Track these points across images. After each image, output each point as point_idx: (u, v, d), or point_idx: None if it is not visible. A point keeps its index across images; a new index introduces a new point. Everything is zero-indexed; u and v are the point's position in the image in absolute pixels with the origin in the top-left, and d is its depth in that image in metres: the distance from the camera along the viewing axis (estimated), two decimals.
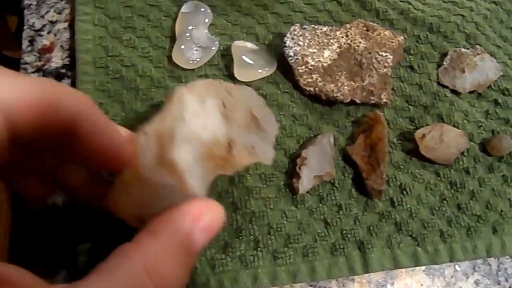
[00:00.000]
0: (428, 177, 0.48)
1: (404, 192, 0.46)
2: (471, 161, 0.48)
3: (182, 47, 0.48)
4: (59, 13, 0.51)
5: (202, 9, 0.50)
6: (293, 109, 0.48)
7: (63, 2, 0.52)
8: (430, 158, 0.47)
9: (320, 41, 0.49)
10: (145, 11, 0.51)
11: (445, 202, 0.47)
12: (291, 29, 0.49)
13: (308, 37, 0.49)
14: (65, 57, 0.49)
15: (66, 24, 0.51)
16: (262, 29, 0.51)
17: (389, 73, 0.49)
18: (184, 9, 0.50)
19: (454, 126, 0.49)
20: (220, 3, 0.52)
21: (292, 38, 0.49)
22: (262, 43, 0.51)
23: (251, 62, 0.48)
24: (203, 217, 0.29)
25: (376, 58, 0.49)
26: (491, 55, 0.52)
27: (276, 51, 0.50)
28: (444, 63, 0.51)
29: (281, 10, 0.52)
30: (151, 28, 0.50)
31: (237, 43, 0.49)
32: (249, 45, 0.49)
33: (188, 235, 0.28)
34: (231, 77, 0.49)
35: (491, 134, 0.50)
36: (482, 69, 0.50)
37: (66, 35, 0.50)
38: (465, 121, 0.50)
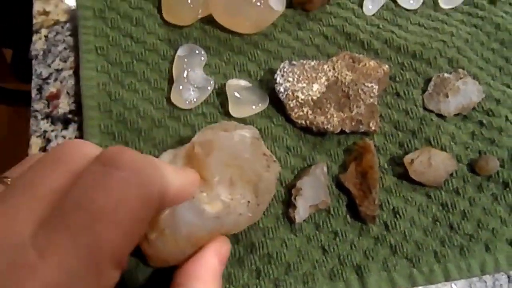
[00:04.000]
0: (420, 199, 0.50)
1: (397, 216, 0.49)
2: (460, 182, 0.51)
3: (180, 88, 0.51)
4: (64, 61, 0.55)
5: (197, 51, 0.53)
6: (287, 141, 0.51)
7: (68, 50, 0.55)
8: (420, 181, 0.49)
9: (308, 76, 0.52)
10: (144, 55, 0.54)
11: (437, 223, 0.49)
12: (280, 66, 0.51)
13: (297, 73, 0.51)
14: (72, 103, 0.52)
15: (71, 71, 0.54)
16: (254, 66, 0.54)
17: (376, 103, 0.51)
18: (180, 52, 0.53)
19: (441, 148, 0.51)
20: (214, 44, 0.55)
21: (282, 75, 0.51)
22: (255, 79, 0.53)
23: (244, 99, 0.51)
24: (222, 250, 0.34)
25: (362, 89, 0.51)
26: (474, 77, 0.55)
27: (267, 86, 0.53)
28: (429, 88, 0.53)
29: (271, 47, 0.55)
30: (150, 71, 0.53)
31: (231, 81, 0.52)
32: (242, 82, 0.52)
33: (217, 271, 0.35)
34: (227, 114, 0.51)
35: (478, 154, 0.52)
36: (465, 93, 0.52)
37: (72, 81, 0.53)
38: (452, 143, 0.52)
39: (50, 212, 0.23)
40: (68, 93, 0.53)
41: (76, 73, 0.53)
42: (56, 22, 0.56)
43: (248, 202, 0.42)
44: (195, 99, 0.51)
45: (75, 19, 0.56)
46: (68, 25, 0.56)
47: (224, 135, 0.43)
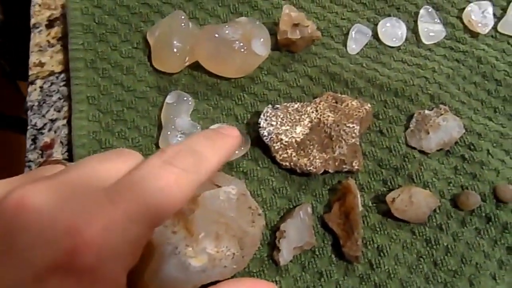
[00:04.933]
0: (404, 236, 0.51)
1: (382, 254, 0.50)
2: (443, 218, 0.52)
3: (168, 134, 0.53)
4: (59, 111, 0.57)
5: (185, 98, 0.55)
6: (273, 183, 0.53)
7: (62, 100, 0.57)
8: (404, 219, 0.51)
9: (292, 118, 0.53)
10: (134, 103, 0.56)
11: (421, 259, 0.50)
12: (264, 111, 0.53)
13: (281, 116, 0.53)
14: (65, 152, 0.55)
15: (64, 121, 0.56)
16: (241, 110, 0.56)
17: (358, 142, 0.52)
18: (168, 99, 0.55)
19: (424, 185, 0.52)
20: (202, 89, 0.57)
21: (265, 119, 0.53)
22: (242, 122, 0.55)
23: None
24: None
25: (344, 129, 0.52)
26: (456, 112, 0.55)
27: (254, 129, 0.54)
28: (411, 125, 0.54)
29: (257, 90, 0.57)
30: (140, 118, 0.55)
31: (213, 127, 0.54)
32: (227, 127, 0.54)
33: None
34: None
35: (461, 189, 0.53)
36: (446, 129, 0.53)
37: (65, 131, 0.56)
38: (435, 179, 0.53)
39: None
40: (61, 142, 0.55)
41: (70, 123, 0.55)
42: (51, 73, 0.59)
43: (234, 254, 0.44)
44: None
45: (69, 70, 0.58)
46: (62, 75, 0.58)
47: (209, 194, 0.45)
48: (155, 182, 0.28)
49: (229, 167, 0.53)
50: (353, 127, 0.53)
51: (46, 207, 0.26)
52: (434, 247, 0.50)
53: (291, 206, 0.52)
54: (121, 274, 0.28)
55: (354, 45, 0.59)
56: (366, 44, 0.60)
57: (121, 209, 0.27)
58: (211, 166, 0.32)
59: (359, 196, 0.50)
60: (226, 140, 0.34)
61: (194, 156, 0.31)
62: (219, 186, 0.46)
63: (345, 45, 0.59)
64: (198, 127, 0.54)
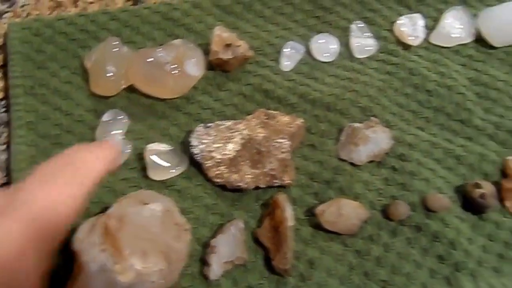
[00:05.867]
0: (336, 248, 0.51)
1: (313, 266, 0.50)
2: (374, 228, 0.52)
3: None
4: None
5: (120, 117, 0.56)
6: (206, 200, 0.53)
7: (2, 126, 0.58)
8: (334, 231, 0.51)
9: (224, 136, 0.54)
10: (72, 127, 0.57)
11: (353, 271, 0.50)
12: (195, 130, 0.54)
13: (213, 134, 0.54)
14: (4, 176, 0.56)
15: (4, 147, 0.57)
16: (176, 130, 0.57)
17: (288, 157, 0.53)
18: (104, 118, 0.56)
19: (355, 197, 0.53)
20: (138, 111, 0.58)
21: (197, 138, 0.54)
22: (176, 142, 0.56)
23: (163, 163, 0.54)
24: None
25: (273, 145, 0.53)
26: (387, 124, 0.56)
27: (188, 148, 0.55)
28: (341, 138, 0.55)
29: (192, 110, 0.58)
30: (77, 142, 0.56)
31: (150, 146, 0.55)
32: (162, 146, 0.55)
33: None
34: (147, 178, 0.54)
35: (392, 199, 0.53)
36: (375, 141, 0.54)
37: (4, 156, 0.57)
38: (366, 191, 0.53)
39: None
40: (1, 167, 0.56)
41: (9, 148, 0.56)
42: None
43: (161, 269, 0.45)
44: None
45: (9, 96, 0.59)
46: (3, 102, 0.59)
47: (134, 211, 0.46)
48: (41, 202, 0.29)
49: (164, 185, 0.54)
50: (283, 142, 0.53)
51: None
52: (365, 258, 0.51)
53: (224, 222, 0.52)
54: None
55: (288, 62, 0.60)
56: (300, 61, 0.61)
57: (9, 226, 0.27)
58: (92, 176, 0.33)
59: (288, 210, 0.50)
60: (104, 151, 0.35)
61: (73, 168, 0.32)
62: (147, 204, 0.47)
63: (278, 62, 0.60)
64: (129, 146, 0.55)
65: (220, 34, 0.57)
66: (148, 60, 0.55)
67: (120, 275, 0.43)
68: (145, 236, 0.45)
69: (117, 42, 0.57)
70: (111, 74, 0.56)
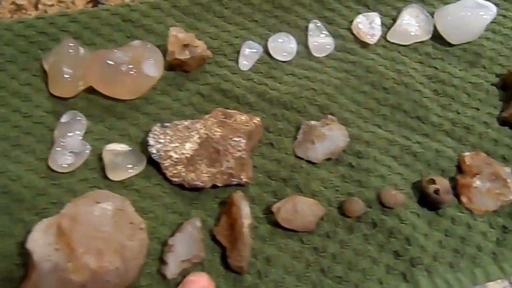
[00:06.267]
0: (293, 245, 0.51)
1: (270, 264, 0.50)
2: (331, 225, 0.52)
3: (56, 153, 0.54)
4: None
5: (79, 118, 0.56)
6: (164, 199, 0.53)
7: None
8: (291, 228, 0.51)
9: (181, 135, 0.54)
10: (31, 128, 0.57)
11: (309, 267, 0.51)
12: (152, 130, 0.54)
13: (170, 134, 0.54)
14: None
15: None
16: (135, 130, 0.57)
17: (245, 156, 0.53)
18: (63, 119, 0.57)
19: (312, 194, 0.53)
20: (97, 112, 0.58)
21: (153, 138, 0.54)
22: (136, 142, 0.56)
23: (121, 163, 0.54)
24: None
25: (230, 143, 0.54)
26: (345, 122, 0.57)
27: (146, 148, 0.55)
28: (298, 136, 0.56)
29: (152, 110, 0.58)
30: (36, 143, 0.56)
31: (108, 147, 0.55)
32: (120, 147, 0.55)
33: None
34: (106, 178, 0.54)
35: (348, 196, 0.53)
36: (331, 138, 0.54)
37: None
38: (322, 188, 0.54)
39: None
40: None
41: None
42: None
43: (117, 268, 0.45)
44: (69, 164, 0.54)
45: None
46: None
47: (86, 210, 0.47)
48: None
49: (122, 185, 0.54)
50: (239, 140, 0.54)
51: None
52: (322, 254, 0.51)
53: (183, 221, 0.52)
54: None
55: (246, 62, 0.60)
56: (258, 60, 0.61)
57: None
58: None
59: (244, 207, 0.51)
60: None
61: None
62: (98, 203, 0.48)
63: (237, 62, 0.61)
64: (88, 146, 0.55)
65: (176, 34, 0.58)
66: (105, 61, 0.55)
67: (72, 274, 0.44)
68: (98, 235, 0.46)
69: (73, 44, 0.57)
70: (68, 76, 0.56)
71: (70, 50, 0.57)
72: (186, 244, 0.50)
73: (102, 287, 0.45)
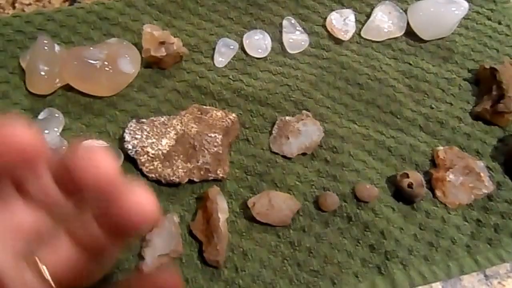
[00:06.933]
0: (270, 239, 0.52)
1: (247, 258, 0.51)
2: (307, 219, 0.53)
3: None
4: None
5: (56, 115, 0.57)
6: None
7: None
8: (267, 222, 0.52)
9: (158, 131, 0.55)
10: None
11: (286, 261, 0.51)
12: (128, 125, 0.55)
13: (147, 129, 0.55)
14: None
15: None
16: (113, 127, 0.57)
17: (221, 151, 0.54)
18: (40, 116, 0.57)
19: (288, 189, 0.54)
20: (75, 109, 0.58)
21: (129, 133, 0.54)
22: (114, 139, 0.56)
23: None
24: None
25: (206, 139, 0.54)
26: (321, 117, 0.57)
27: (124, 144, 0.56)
28: (273, 132, 0.56)
29: (129, 107, 0.58)
30: None
31: (85, 143, 0.55)
32: (97, 143, 0.55)
33: None
34: None
35: (323, 191, 0.54)
36: (306, 133, 0.55)
37: None
38: (298, 183, 0.54)
39: None
40: None
41: None
42: None
43: None
44: None
45: None
46: None
47: None
48: None
49: None
50: (215, 136, 0.54)
51: None
52: (298, 248, 0.52)
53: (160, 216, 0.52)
54: None
55: (221, 58, 0.61)
56: (234, 57, 0.62)
57: None
58: None
59: (220, 202, 0.51)
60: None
61: None
62: None
63: (213, 59, 0.61)
64: (65, 143, 0.55)
65: (151, 32, 0.58)
66: (80, 58, 0.56)
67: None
68: None
69: (47, 41, 0.57)
70: (44, 73, 0.57)
71: (45, 47, 0.57)
72: (163, 239, 0.51)
73: None
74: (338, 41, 0.63)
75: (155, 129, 0.55)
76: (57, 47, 0.58)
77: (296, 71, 0.61)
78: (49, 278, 0.26)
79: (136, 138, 0.54)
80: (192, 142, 0.54)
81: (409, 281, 0.50)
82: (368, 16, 0.65)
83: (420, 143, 0.58)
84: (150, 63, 0.60)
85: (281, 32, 0.63)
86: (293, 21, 0.63)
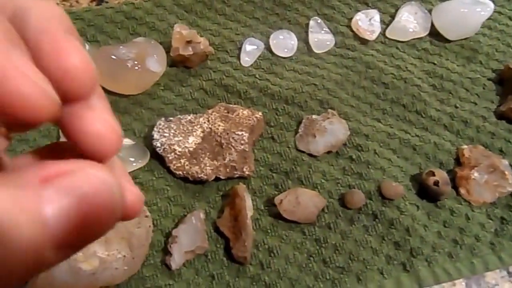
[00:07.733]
0: (295, 236, 0.52)
1: (272, 255, 0.51)
2: (332, 217, 0.53)
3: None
4: None
5: None
6: (168, 192, 0.54)
7: None
8: (293, 219, 0.52)
9: (185, 129, 0.55)
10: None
11: (311, 258, 0.51)
12: (157, 124, 0.55)
13: (174, 128, 0.55)
14: None
15: None
16: (139, 125, 0.58)
17: (247, 149, 0.54)
18: None
19: (313, 186, 0.54)
20: None
21: (158, 132, 0.55)
22: (139, 136, 0.57)
23: (124, 156, 0.55)
24: None
25: (233, 137, 0.55)
26: (345, 116, 0.58)
27: (151, 142, 0.56)
28: (299, 130, 0.57)
29: (155, 105, 0.59)
30: (40, 138, 0.57)
31: None
32: (124, 141, 0.56)
33: None
34: None
35: (349, 188, 0.54)
36: (332, 132, 0.56)
37: None
38: (323, 181, 0.55)
39: None
40: None
41: None
42: None
43: (124, 256, 0.46)
44: None
45: None
46: None
47: None
48: None
49: None
50: (242, 134, 0.55)
51: None
52: (323, 245, 0.52)
53: (186, 213, 0.53)
54: None
55: (247, 58, 0.61)
56: (259, 56, 0.62)
57: None
58: None
59: (247, 199, 0.52)
60: None
61: None
62: None
63: (239, 58, 0.62)
64: None
65: (180, 31, 0.59)
66: (109, 57, 0.57)
67: (83, 263, 0.45)
68: None
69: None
70: None
71: None
72: (190, 235, 0.51)
73: (111, 275, 0.46)
74: (363, 41, 0.63)
75: (181, 127, 0.55)
76: (87, 46, 0.59)
77: (321, 71, 0.61)
78: None
79: (164, 136, 0.55)
80: (219, 140, 0.55)
81: (434, 277, 0.51)
82: (392, 16, 0.65)
83: (444, 141, 0.58)
84: (176, 62, 0.60)
85: (306, 32, 0.63)
86: (319, 21, 0.63)
